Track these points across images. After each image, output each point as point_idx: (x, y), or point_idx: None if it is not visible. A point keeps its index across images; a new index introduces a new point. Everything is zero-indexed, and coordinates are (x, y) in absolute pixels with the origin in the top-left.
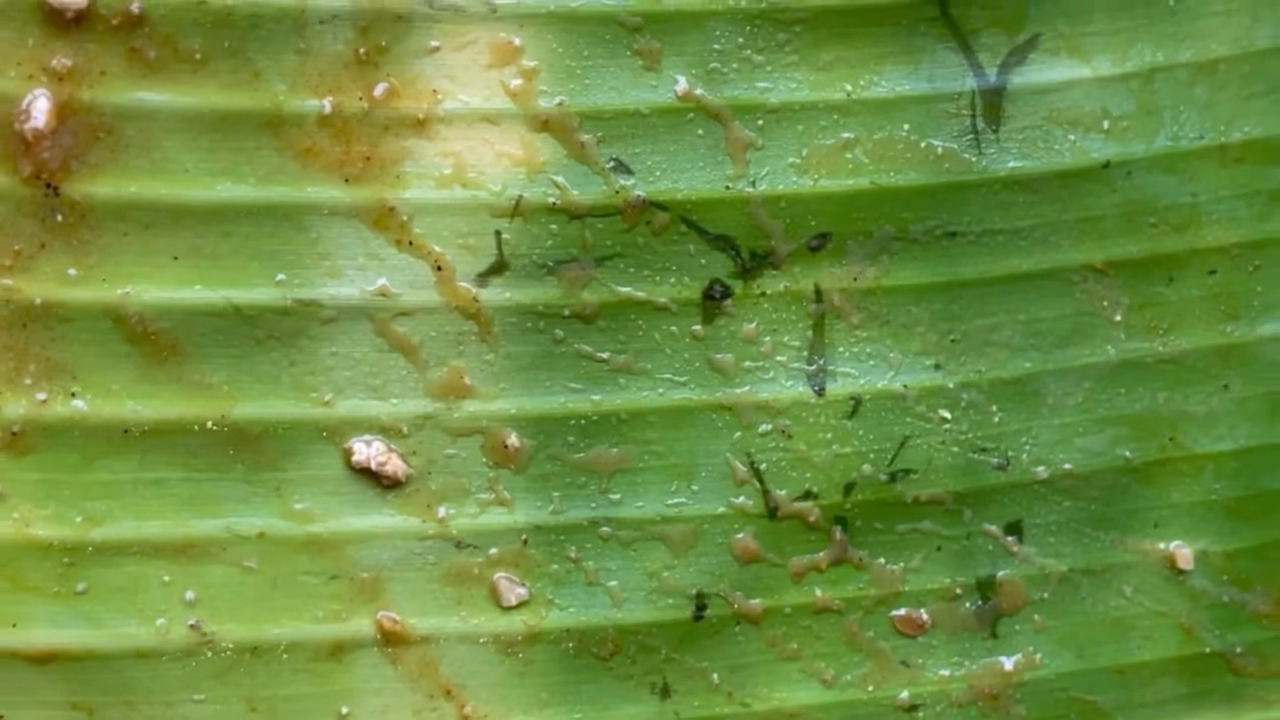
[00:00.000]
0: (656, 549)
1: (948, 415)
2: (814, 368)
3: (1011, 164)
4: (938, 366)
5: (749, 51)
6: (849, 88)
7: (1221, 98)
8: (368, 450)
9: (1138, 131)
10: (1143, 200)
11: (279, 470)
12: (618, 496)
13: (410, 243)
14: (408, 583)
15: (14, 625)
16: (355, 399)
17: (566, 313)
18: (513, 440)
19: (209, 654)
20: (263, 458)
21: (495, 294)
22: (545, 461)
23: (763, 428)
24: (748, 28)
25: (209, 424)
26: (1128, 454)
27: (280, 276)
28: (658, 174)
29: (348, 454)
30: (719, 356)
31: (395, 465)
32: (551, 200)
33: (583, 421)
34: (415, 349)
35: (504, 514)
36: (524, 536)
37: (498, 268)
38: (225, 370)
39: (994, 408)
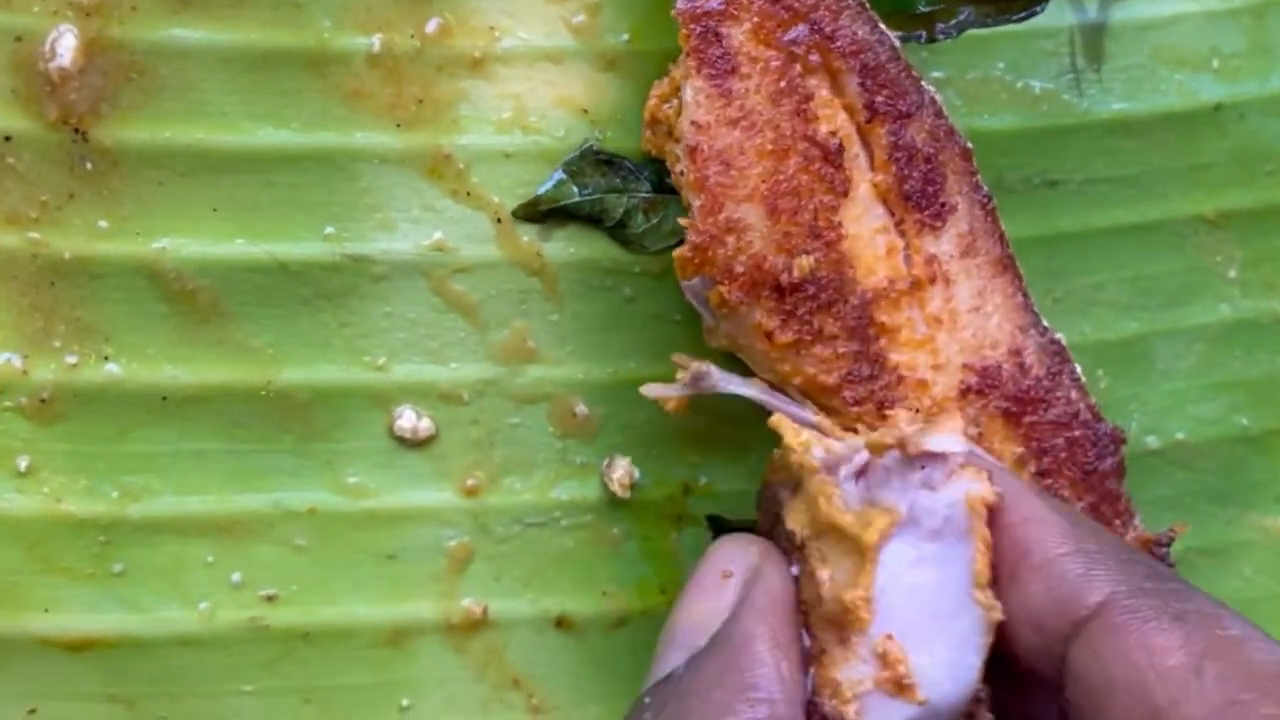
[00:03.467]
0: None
1: None
2: None
3: (1115, 106)
4: None
5: None
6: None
7: None
8: (415, 420)
9: (1251, 71)
10: (1258, 146)
11: (330, 441)
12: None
13: (468, 193)
14: (470, 563)
15: (46, 610)
16: (411, 363)
17: (637, 269)
18: (580, 408)
19: (258, 641)
20: (312, 427)
21: (560, 248)
22: (615, 431)
23: None
24: None
25: (254, 390)
26: (1245, 422)
27: (328, 230)
28: None
29: (391, 421)
30: None
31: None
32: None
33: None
34: (475, 308)
35: (576, 487)
36: (595, 512)
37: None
38: (270, 332)
39: (1100, 372)
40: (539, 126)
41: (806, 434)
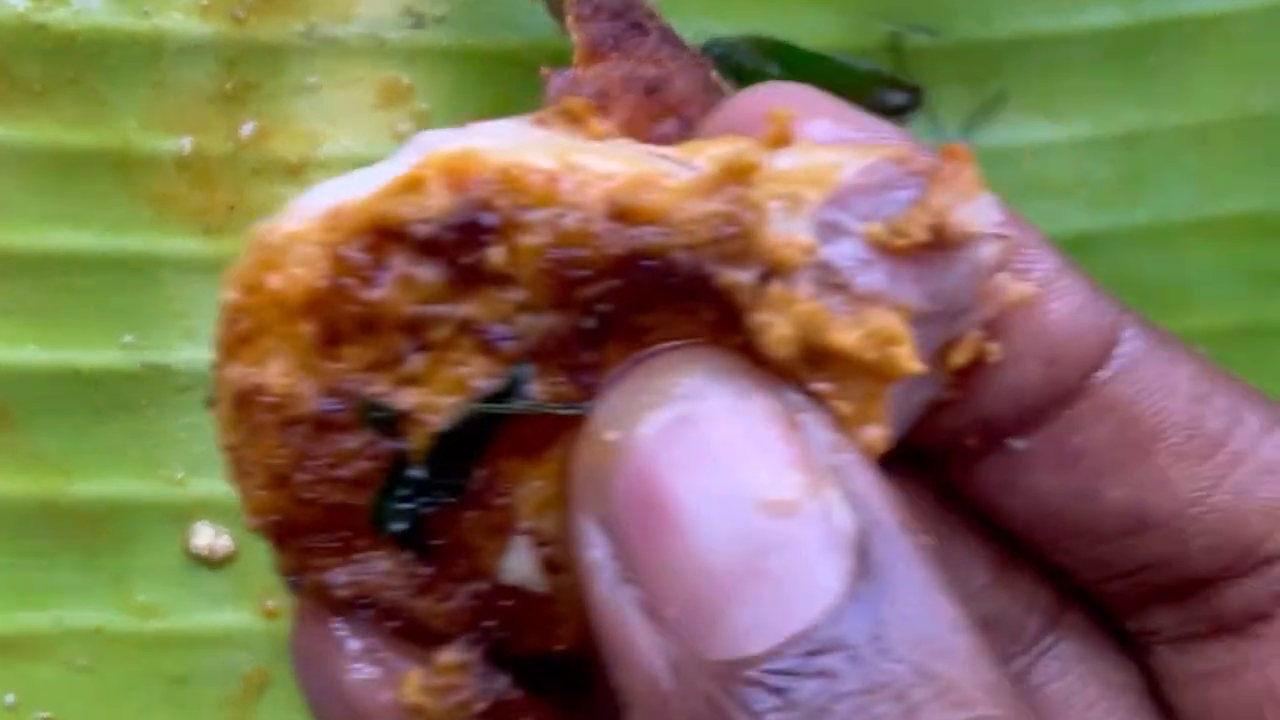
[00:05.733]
0: None
1: None
2: None
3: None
4: None
5: None
6: None
7: (1213, 167)
8: (213, 538)
9: (1120, 201)
10: (1124, 277)
11: (120, 557)
12: None
13: None
14: (267, 688)
15: None
16: (212, 478)
17: None
18: None
19: None
20: (102, 542)
21: None
22: None
23: None
24: None
25: (41, 502)
26: None
27: (128, 338)
28: None
29: (187, 538)
30: None
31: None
32: None
33: None
34: None
35: None
36: None
37: None
38: (61, 442)
39: None
40: None
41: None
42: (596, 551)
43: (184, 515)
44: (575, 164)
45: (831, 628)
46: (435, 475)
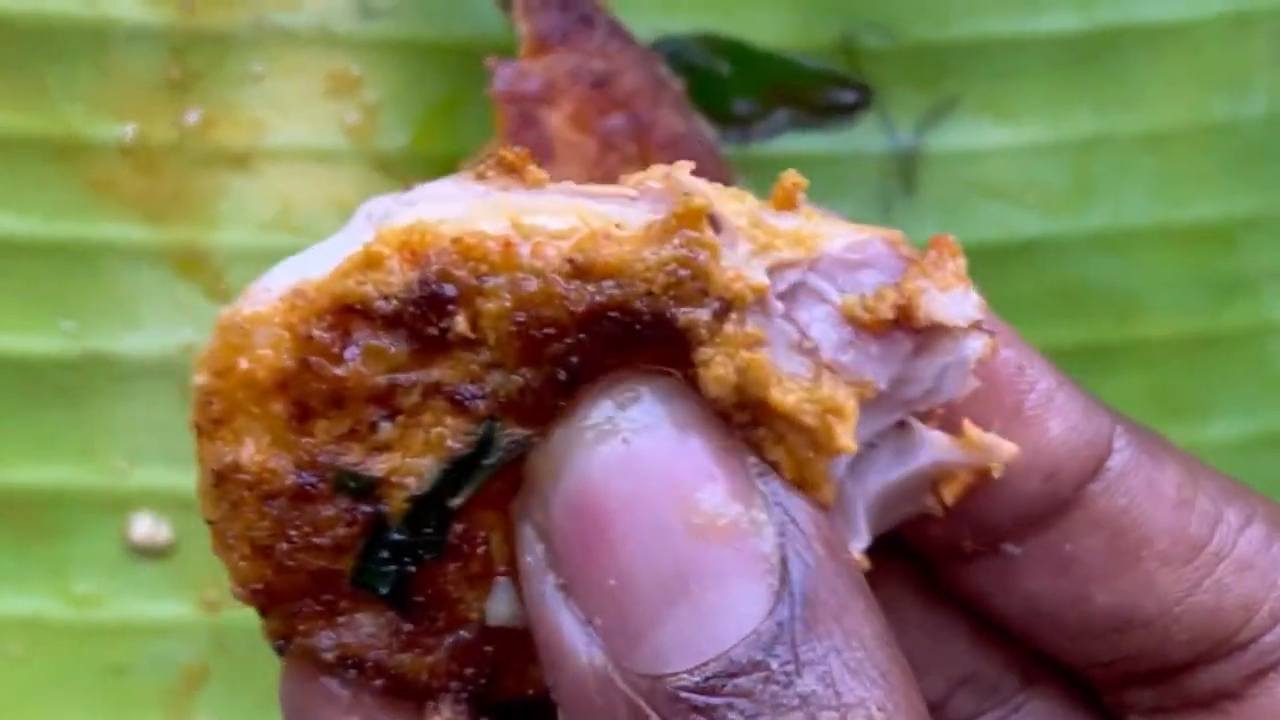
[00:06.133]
0: None
1: None
2: None
3: (927, 235)
4: None
5: None
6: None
7: (1169, 174)
8: (153, 527)
9: (1072, 207)
10: (1077, 284)
11: (57, 545)
12: None
13: (223, 293)
14: (206, 680)
15: None
16: (153, 467)
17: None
18: None
19: None
20: (38, 530)
21: None
22: None
23: None
24: None
25: None
26: None
27: (67, 325)
28: None
29: (127, 528)
30: None
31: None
32: None
33: None
34: None
35: None
36: None
37: None
38: None
39: None
40: (306, 227)
41: (742, 216)
42: (532, 557)
43: (124, 505)
44: (527, 227)
45: (751, 651)
46: (414, 535)
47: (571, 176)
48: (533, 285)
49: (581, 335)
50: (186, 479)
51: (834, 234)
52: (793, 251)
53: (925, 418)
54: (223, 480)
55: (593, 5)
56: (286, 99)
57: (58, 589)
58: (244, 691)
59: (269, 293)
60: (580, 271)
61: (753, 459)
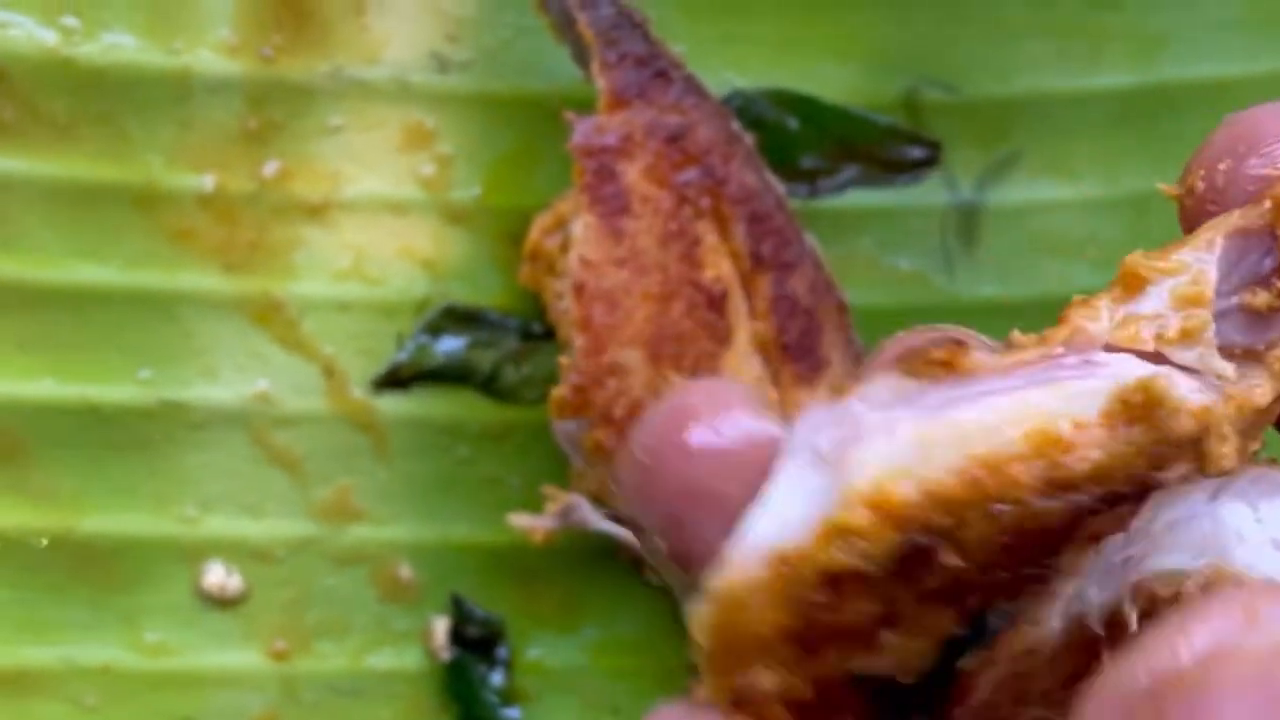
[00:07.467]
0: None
1: None
2: None
3: (986, 290)
4: None
5: None
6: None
7: None
8: (224, 577)
9: None
10: None
11: (130, 594)
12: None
13: (298, 343)
14: None
15: None
16: (224, 516)
17: (474, 429)
18: (404, 571)
19: None
20: (112, 579)
21: (393, 404)
22: (442, 596)
23: None
24: None
25: (52, 537)
26: None
27: (145, 373)
28: None
29: (198, 577)
30: None
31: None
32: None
33: (487, 554)
34: (298, 463)
35: (393, 655)
36: (412, 682)
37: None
38: (74, 477)
39: None
40: (379, 278)
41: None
42: None
43: (195, 554)
44: (983, 458)
45: None
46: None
47: (647, 229)
48: (1007, 512)
49: (1063, 530)
50: (256, 528)
51: (1197, 265)
52: (1196, 317)
53: None
54: (741, 700)
55: (669, 61)
56: (363, 151)
57: (131, 639)
58: None
59: (747, 560)
60: (1058, 487)
61: None
